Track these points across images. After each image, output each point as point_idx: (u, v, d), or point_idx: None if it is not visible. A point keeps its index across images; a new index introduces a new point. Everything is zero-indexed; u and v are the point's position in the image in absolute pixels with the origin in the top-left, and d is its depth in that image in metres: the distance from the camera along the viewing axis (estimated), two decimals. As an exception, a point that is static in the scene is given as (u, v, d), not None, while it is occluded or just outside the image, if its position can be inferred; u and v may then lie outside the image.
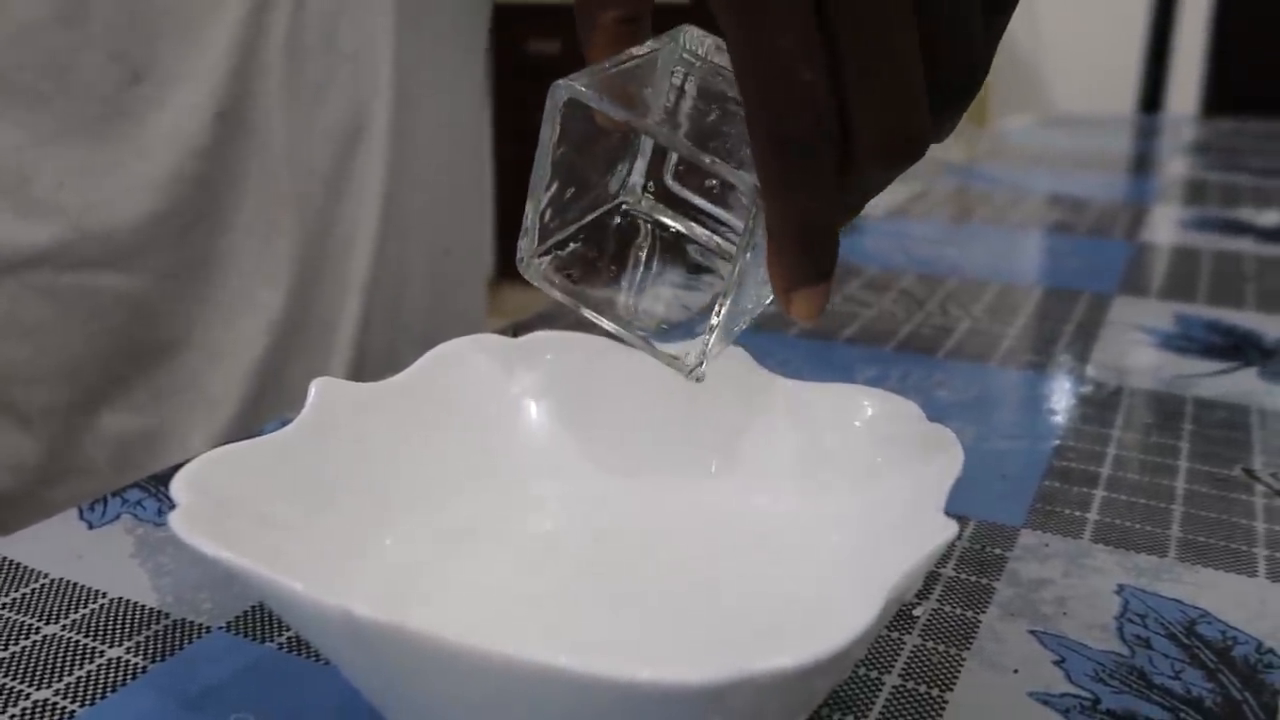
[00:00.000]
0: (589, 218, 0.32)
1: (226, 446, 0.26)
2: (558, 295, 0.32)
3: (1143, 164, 1.21)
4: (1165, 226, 0.83)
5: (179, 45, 0.48)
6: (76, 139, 0.46)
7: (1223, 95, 1.92)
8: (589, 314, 0.31)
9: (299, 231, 0.55)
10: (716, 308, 0.28)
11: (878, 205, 0.87)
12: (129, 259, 0.49)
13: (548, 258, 0.32)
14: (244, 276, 0.54)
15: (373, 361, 0.58)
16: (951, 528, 0.23)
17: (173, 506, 0.23)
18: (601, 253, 0.33)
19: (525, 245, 0.31)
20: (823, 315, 0.27)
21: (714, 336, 0.29)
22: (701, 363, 0.29)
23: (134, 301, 0.49)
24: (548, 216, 0.31)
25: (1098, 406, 0.46)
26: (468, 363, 0.34)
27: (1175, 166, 1.15)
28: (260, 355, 0.55)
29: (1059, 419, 0.44)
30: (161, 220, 0.49)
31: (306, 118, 0.54)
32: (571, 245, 0.32)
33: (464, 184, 0.65)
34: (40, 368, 0.48)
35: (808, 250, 0.25)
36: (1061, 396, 0.47)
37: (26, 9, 0.45)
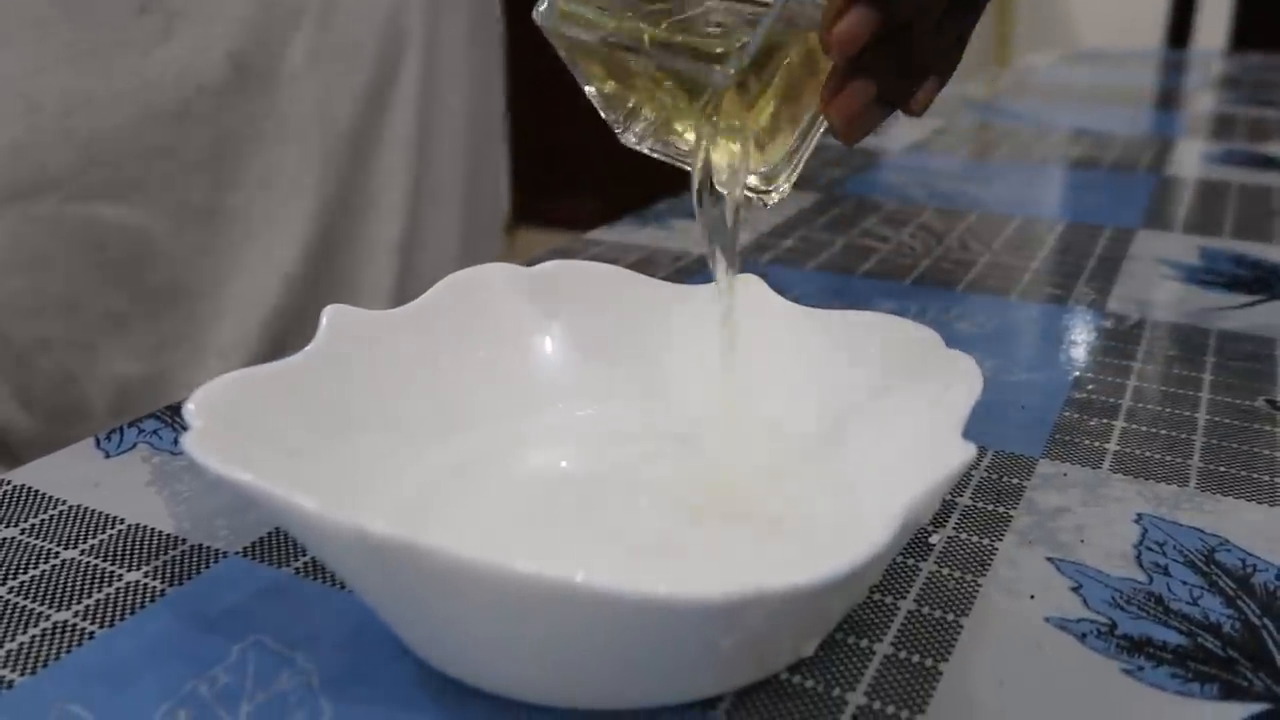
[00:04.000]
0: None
1: (240, 371, 0.26)
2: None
3: (1169, 99, 1.18)
4: (1191, 161, 0.81)
5: None
6: (83, 66, 0.46)
7: (1252, 30, 1.88)
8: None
9: (321, 190, 0.54)
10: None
11: (897, 139, 0.86)
12: (135, 193, 0.48)
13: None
14: (256, 229, 0.53)
15: None
16: (970, 450, 0.23)
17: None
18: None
19: None
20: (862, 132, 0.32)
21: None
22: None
23: (139, 239, 0.49)
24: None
25: (1119, 339, 0.45)
26: (483, 290, 0.33)
27: (1202, 101, 1.12)
28: (272, 311, 0.54)
29: (1079, 351, 0.44)
30: (169, 155, 0.49)
31: (338, 78, 0.54)
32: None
33: (485, 136, 0.64)
34: (40, 300, 0.48)
35: None
36: (1082, 329, 0.46)
37: None
